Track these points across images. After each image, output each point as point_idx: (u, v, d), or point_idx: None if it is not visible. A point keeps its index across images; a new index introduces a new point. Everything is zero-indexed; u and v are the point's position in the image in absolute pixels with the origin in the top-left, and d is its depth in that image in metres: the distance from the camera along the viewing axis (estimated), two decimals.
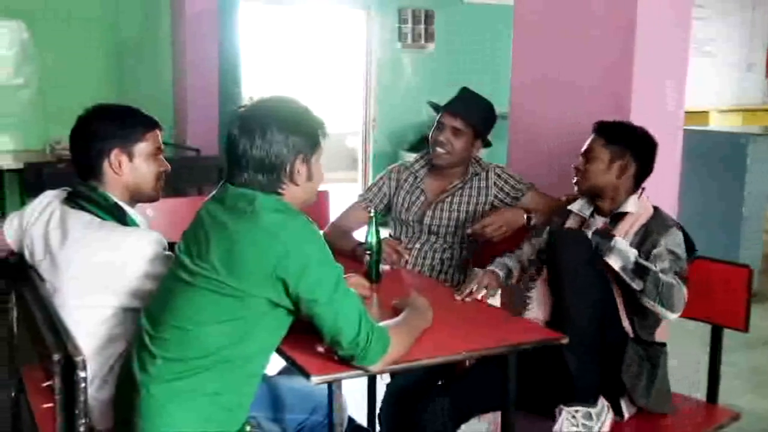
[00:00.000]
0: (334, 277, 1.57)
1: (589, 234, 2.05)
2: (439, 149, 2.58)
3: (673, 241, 2.06)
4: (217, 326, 1.54)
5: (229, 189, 1.63)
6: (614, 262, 1.99)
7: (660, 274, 1.99)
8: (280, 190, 1.64)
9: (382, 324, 1.66)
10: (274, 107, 1.67)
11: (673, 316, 2.01)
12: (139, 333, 1.64)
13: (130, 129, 1.90)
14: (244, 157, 1.60)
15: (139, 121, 1.93)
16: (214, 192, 1.69)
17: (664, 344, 2.16)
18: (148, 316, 1.64)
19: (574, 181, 2.23)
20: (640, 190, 2.18)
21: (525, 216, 2.47)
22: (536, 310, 2.16)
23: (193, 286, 1.56)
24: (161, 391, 1.55)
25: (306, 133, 1.65)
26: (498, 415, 2.12)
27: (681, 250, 2.06)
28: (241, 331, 1.55)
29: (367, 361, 1.57)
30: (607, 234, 2.02)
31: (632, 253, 2.00)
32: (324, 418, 1.98)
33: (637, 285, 1.97)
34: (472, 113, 2.57)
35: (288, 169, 1.63)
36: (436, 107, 2.65)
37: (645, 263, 2.00)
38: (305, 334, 1.68)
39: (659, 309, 1.99)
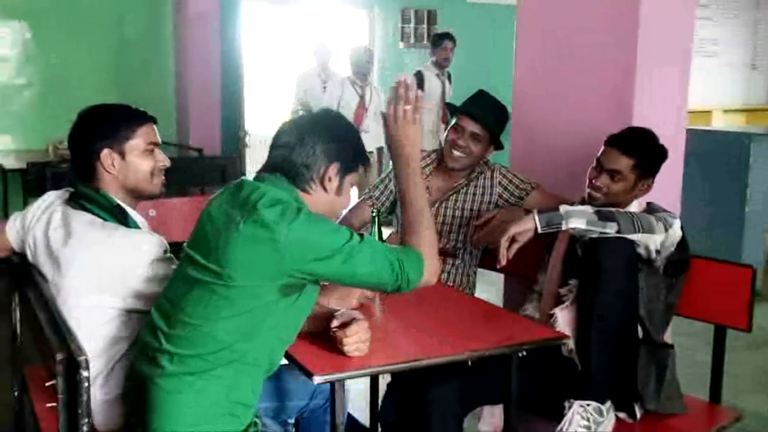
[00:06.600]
0: (340, 241, 1.56)
1: (536, 217, 2.04)
2: (456, 152, 2.57)
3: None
4: (229, 321, 1.55)
5: (244, 183, 1.65)
6: (578, 223, 1.99)
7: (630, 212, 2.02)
8: (309, 189, 1.66)
9: (400, 246, 1.67)
10: (334, 117, 1.76)
11: (662, 235, 2.01)
12: (151, 330, 1.65)
13: (118, 127, 1.88)
14: (286, 149, 1.65)
15: (128, 117, 1.91)
16: (225, 186, 1.71)
17: (671, 346, 2.16)
18: (161, 313, 1.65)
19: (590, 193, 2.19)
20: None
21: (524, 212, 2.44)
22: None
23: (204, 284, 1.57)
24: (173, 384, 1.56)
25: (348, 149, 1.70)
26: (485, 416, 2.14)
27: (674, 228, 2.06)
28: (251, 325, 1.56)
29: (413, 283, 1.61)
30: (548, 210, 2.05)
31: (587, 208, 2.04)
32: (323, 402, 2.05)
33: (611, 228, 1.98)
34: (491, 118, 2.56)
35: (321, 172, 1.66)
36: (453, 108, 2.65)
37: (606, 209, 2.03)
38: (306, 335, 1.70)
39: (643, 237, 1.99)
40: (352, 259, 1.56)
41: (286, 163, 1.65)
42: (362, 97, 5.57)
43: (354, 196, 2.89)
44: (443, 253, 2.64)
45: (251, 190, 1.61)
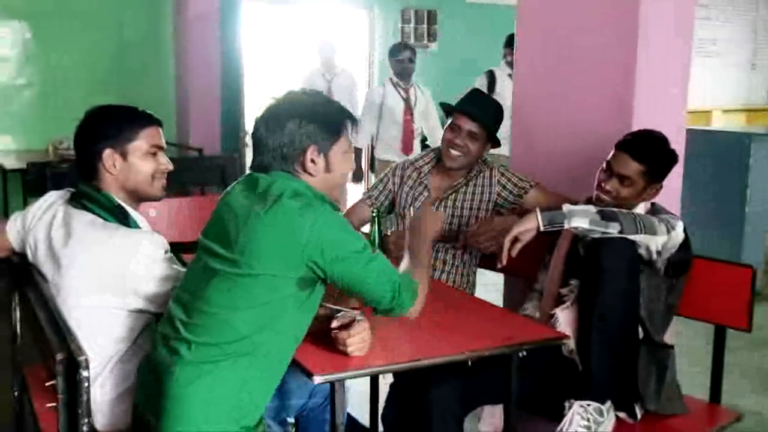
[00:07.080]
0: (360, 246, 1.61)
1: (538, 215, 2.04)
2: (454, 151, 2.57)
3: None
4: (246, 312, 1.57)
5: (254, 176, 1.68)
6: (581, 222, 1.99)
7: (633, 213, 2.03)
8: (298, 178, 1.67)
9: (401, 271, 1.72)
10: (296, 98, 1.72)
11: (664, 237, 2.01)
12: (169, 320, 1.66)
13: (121, 128, 1.88)
14: (262, 144, 1.66)
15: (132, 119, 1.91)
16: (238, 180, 1.74)
17: (671, 346, 2.16)
18: (179, 304, 1.66)
19: (598, 195, 2.19)
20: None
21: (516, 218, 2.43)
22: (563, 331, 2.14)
23: (224, 274, 1.59)
24: (188, 373, 1.56)
25: (323, 123, 1.67)
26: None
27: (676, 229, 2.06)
28: (268, 318, 1.58)
29: (404, 309, 1.66)
30: (551, 209, 2.05)
31: (590, 207, 2.03)
32: (322, 400, 2.07)
33: (614, 228, 1.98)
34: (488, 116, 2.57)
35: (300, 159, 1.65)
36: (448, 108, 2.65)
37: (609, 209, 2.03)
38: (306, 335, 1.69)
39: (645, 238, 1.99)
40: (368, 266, 1.61)
41: (268, 163, 1.67)
42: (407, 100, 5.01)
43: (355, 195, 2.88)
44: (448, 239, 2.63)
45: (269, 183, 1.63)
